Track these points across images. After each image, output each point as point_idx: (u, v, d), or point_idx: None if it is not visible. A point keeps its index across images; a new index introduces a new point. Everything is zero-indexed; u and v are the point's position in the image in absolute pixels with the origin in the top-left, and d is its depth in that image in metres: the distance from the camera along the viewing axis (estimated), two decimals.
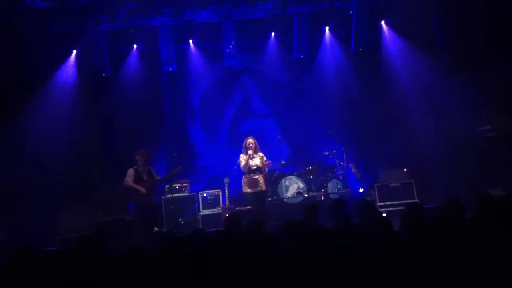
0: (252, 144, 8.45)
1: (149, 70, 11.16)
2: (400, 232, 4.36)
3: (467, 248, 3.43)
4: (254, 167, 8.40)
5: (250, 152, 8.39)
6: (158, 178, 8.80)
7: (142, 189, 8.35)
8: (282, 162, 10.38)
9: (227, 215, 8.51)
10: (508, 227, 3.93)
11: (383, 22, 10.98)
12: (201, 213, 9.77)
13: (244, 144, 8.50)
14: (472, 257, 3.32)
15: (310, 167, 10.34)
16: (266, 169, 8.73)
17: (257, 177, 8.41)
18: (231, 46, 10.87)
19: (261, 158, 8.52)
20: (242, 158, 8.46)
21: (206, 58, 11.30)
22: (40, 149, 9.44)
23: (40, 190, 9.19)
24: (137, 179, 8.45)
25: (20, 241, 7.18)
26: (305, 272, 3.14)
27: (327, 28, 11.23)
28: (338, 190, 9.88)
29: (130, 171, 8.51)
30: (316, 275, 3.08)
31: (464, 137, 9.74)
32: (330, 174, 10.31)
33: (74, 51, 10.51)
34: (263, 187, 8.50)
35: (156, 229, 8.88)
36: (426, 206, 8.27)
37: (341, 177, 10.19)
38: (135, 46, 11.02)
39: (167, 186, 9.81)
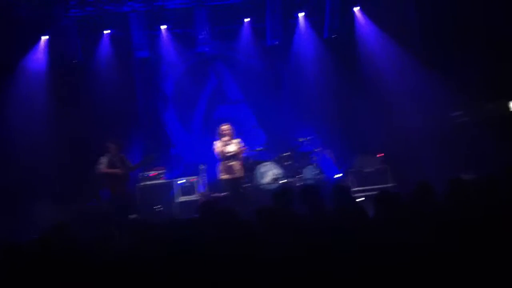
0: (227, 130, 8.44)
1: (122, 57, 10.92)
2: (374, 219, 4.39)
3: (438, 234, 3.46)
4: (230, 154, 8.40)
5: (225, 138, 8.38)
6: (131, 165, 8.75)
7: (117, 171, 8.31)
8: (258, 148, 10.36)
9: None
10: (478, 211, 3.99)
11: (356, 9, 10.95)
12: (178, 200, 9.70)
13: (218, 131, 8.48)
14: (443, 243, 3.35)
15: (286, 153, 10.31)
16: (241, 155, 8.73)
17: (233, 163, 8.43)
18: (204, 32, 10.69)
19: (237, 144, 8.52)
20: (218, 145, 8.45)
21: (179, 44, 11.09)
22: (15, 139, 9.36)
23: (17, 183, 9.07)
24: (110, 166, 8.40)
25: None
26: (276, 265, 3.09)
27: (301, 14, 11.11)
28: (314, 175, 9.94)
29: (103, 159, 8.47)
30: (286, 268, 3.04)
31: (440, 122, 9.86)
32: (306, 160, 10.34)
33: (44, 37, 10.23)
34: (239, 174, 8.53)
35: (131, 216, 8.81)
36: (398, 191, 8.38)
37: (317, 163, 10.25)
38: (107, 31, 10.74)
39: (141, 173, 9.75)
